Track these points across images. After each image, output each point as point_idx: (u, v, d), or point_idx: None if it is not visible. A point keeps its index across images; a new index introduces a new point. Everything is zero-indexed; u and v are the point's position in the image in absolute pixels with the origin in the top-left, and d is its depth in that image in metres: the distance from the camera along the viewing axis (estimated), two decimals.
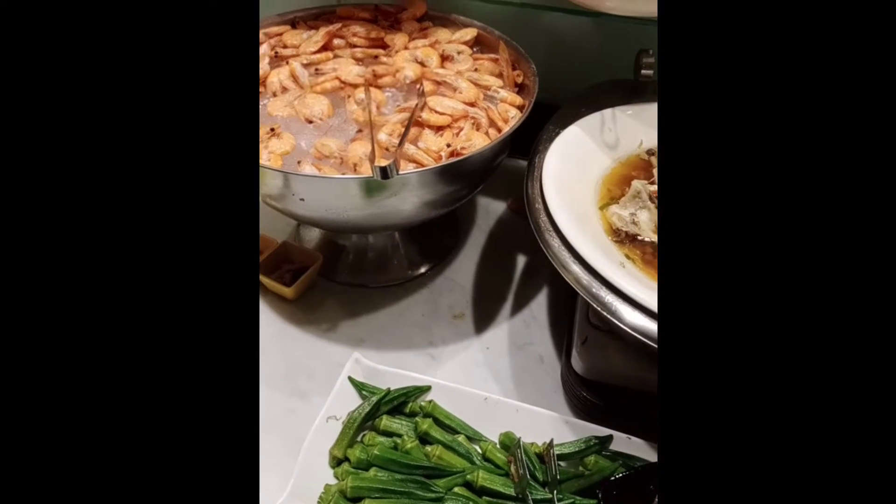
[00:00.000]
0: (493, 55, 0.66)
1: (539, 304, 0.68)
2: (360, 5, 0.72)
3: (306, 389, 0.59)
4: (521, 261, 0.73)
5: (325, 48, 0.67)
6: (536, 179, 0.54)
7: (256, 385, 0.31)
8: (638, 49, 0.66)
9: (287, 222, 0.77)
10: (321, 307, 0.67)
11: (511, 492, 0.48)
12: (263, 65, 0.65)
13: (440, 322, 0.66)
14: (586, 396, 0.54)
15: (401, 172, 0.49)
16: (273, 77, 0.63)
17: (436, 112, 0.59)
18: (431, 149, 0.56)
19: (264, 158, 0.54)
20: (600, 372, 0.53)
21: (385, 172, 0.47)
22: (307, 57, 0.66)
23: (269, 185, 0.54)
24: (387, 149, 0.56)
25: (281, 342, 0.64)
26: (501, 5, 0.71)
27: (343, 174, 0.54)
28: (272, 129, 0.56)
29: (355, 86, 0.62)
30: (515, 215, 0.78)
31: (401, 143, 0.52)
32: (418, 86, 0.60)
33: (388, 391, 0.54)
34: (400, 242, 0.72)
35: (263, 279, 0.66)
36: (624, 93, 0.66)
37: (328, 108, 0.60)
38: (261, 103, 0.62)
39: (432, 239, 0.74)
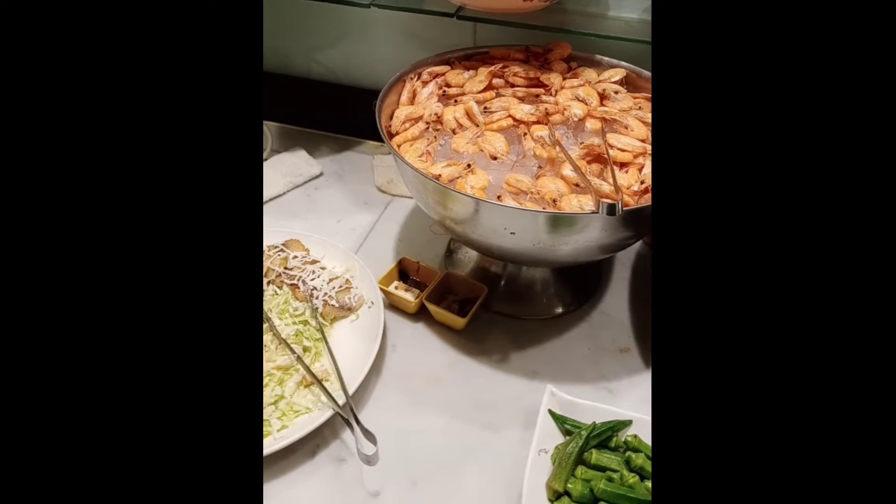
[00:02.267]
0: (646, 94, 0.69)
1: None
2: (511, 46, 0.75)
3: (495, 422, 0.60)
4: None
5: (487, 87, 0.69)
6: None
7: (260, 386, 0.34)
8: None
9: (435, 253, 0.79)
10: (488, 338, 0.68)
11: None
12: (432, 103, 0.68)
13: (608, 356, 0.67)
14: None
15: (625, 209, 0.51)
16: (448, 115, 0.65)
17: (617, 149, 0.61)
18: (623, 185, 0.57)
19: (469, 192, 0.56)
20: None
21: (612, 209, 0.48)
22: (473, 96, 0.68)
23: (475, 217, 0.56)
24: (576, 185, 0.58)
25: (458, 373, 0.65)
26: (642, 44, 0.74)
27: (543, 209, 0.55)
28: (469, 166, 0.58)
29: (527, 123, 0.64)
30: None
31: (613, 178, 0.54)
32: (604, 126, 0.62)
33: (595, 425, 0.55)
34: (551, 275, 0.73)
35: (433, 308, 0.68)
36: None
37: (505, 144, 0.62)
38: (441, 140, 0.64)
39: (581, 274, 0.75)
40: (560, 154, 0.60)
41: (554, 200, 0.56)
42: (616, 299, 0.73)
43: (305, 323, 0.67)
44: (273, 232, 0.77)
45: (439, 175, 0.57)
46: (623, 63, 0.72)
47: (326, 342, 0.64)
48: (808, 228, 0.28)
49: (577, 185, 0.58)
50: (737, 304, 0.29)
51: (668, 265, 0.31)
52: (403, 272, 0.74)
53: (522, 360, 0.66)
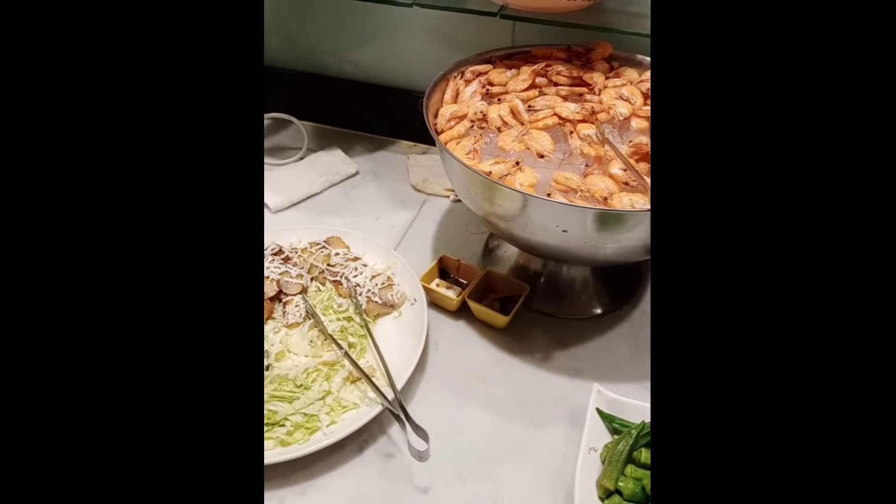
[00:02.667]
0: None
1: None
2: (553, 46, 0.75)
3: (540, 419, 0.60)
4: None
5: (531, 86, 0.69)
6: None
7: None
8: None
9: (473, 251, 0.79)
10: (529, 336, 0.68)
11: None
12: (475, 101, 0.68)
13: (649, 356, 0.66)
14: None
15: None
16: (493, 113, 0.65)
17: None
18: None
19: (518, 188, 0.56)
20: None
21: None
22: (516, 95, 0.68)
23: (525, 214, 0.56)
24: (626, 183, 0.58)
25: (501, 370, 0.65)
26: None
27: (595, 206, 0.55)
28: (517, 163, 0.59)
29: (573, 122, 0.64)
30: None
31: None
32: (647, 123, 0.62)
33: (644, 424, 0.55)
34: (591, 275, 0.73)
35: (475, 306, 0.68)
36: None
37: (551, 143, 0.63)
38: (487, 137, 0.65)
39: (620, 273, 0.75)
40: (609, 152, 0.60)
41: (605, 199, 0.56)
42: None
43: (349, 319, 0.67)
44: (314, 229, 0.78)
45: (489, 172, 0.57)
46: None
47: (372, 338, 0.64)
48: (810, 239, 0.28)
49: (626, 183, 0.58)
50: (736, 316, 0.29)
51: (667, 273, 0.31)
52: (444, 270, 0.74)
53: (565, 358, 0.66)
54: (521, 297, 0.69)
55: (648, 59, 0.73)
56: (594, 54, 0.74)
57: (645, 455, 0.53)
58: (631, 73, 0.72)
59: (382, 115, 1.01)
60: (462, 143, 0.64)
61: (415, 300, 0.69)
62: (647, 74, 0.71)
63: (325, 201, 0.89)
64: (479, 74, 0.72)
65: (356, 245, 0.76)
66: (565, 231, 0.54)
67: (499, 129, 0.65)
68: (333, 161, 0.94)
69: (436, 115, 0.68)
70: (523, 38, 0.83)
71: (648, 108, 0.66)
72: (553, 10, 0.73)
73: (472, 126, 0.65)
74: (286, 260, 0.72)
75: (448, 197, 0.88)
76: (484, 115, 0.65)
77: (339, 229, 0.78)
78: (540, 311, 0.71)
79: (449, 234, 0.83)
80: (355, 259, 0.73)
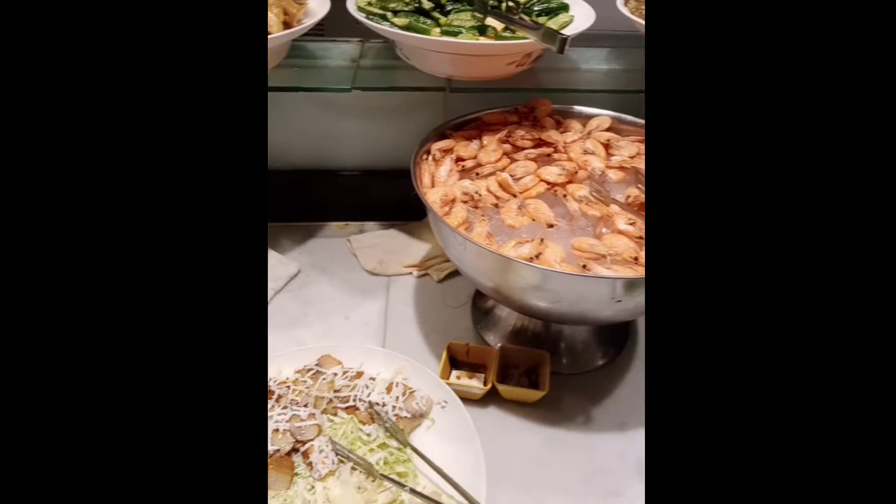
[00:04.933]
0: (639, 137, 0.74)
1: None
2: (503, 110, 0.76)
3: (614, 486, 0.59)
4: None
5: (502, 155, 0.69)
6: None
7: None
8: None
9: (464, 326, 0.75)
10: (562, 401, 0.67)
11: None
12: (456, 181, 0.65)
13: None
14: None
15: None
16: (483, 190, 0.63)
17: None
18: None
19: (558, 268, 0.55)
20: None
21: None
22: (492, 166, 0.67)
23: (570, 292, 0.55)
24: (640, 237, 0.60)
25: (555, 448, 0.62)
26: (611, 93, 0.80)
27: (634, 271, 0.56)
28: (542, 240, 0.57)
29: (561, 185, 0.65)
30: None
31: None
32: (637, 176, 0.65)
33: None
34: (592, 331, 0.74)
35: (506, 389, 0.65)
36: None
37: (549, 210, 0.63)
38: (490, 215, 0.62)
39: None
40: (614, 209, 0.62)
41: (635, 259, 0.57)
42: None
43: (384, 446, 0.59)
44: (293, 353, 0.67)
45: (534, 257, 0.55)
46: (604, 111, 0.77)
47: (427, 460, 0.57)
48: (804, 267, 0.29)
49: (640, 237, 0.60)
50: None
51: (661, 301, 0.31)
52: (453, 358, 0.69)
53: (604, 414, 0.66)
54: (542, 364, 0.67)
55: (586, 109, 0.78)
56: (539, 112, 0.76)
57: None
58: (575, 125, 0.76)
59: (303, 198, 0.92)
60: (472, 227, 0.60)
61: (445, 402, 0.63)
62: (593, 123, 0.75)
63: (280, 312, 0.77)
64: (446, 152, 0.69)
65: (348, 357, 0.67)
66: (620, 301, 0.55)
67: (495, 206, 0.63)
68: (269, 264, 0.82)
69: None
70: (455, 105, 0.83)
71: (614, 157, 0.70)
72: (497, 77, 0.74)
73: (476, 209, 0.62)
74: (279, 399, 0.61)
75: (411, 274, 0.83)
76: (473, 195, 0.63)
77: (321, 345, 0.68)
78: (553, 372, 0.70)
79: (429, 313, 0.78)
80: (359, 375, 0.64)
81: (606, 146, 0.72)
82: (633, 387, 0.70)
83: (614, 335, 0.75)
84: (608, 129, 0.76)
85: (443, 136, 0.72)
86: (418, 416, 0.61)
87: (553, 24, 0.74)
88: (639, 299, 0.56)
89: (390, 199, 0.89)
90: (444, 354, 0.68)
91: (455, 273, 0.82)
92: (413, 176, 0.64)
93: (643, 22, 0.72)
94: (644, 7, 0.77)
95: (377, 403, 0.61)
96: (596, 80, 0.80)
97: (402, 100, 0.88)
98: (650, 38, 0.32)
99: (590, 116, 0.77)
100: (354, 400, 0.62)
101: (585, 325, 0.71)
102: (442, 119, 0.75)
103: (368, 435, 0.59)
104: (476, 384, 0.66)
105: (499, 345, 0.70)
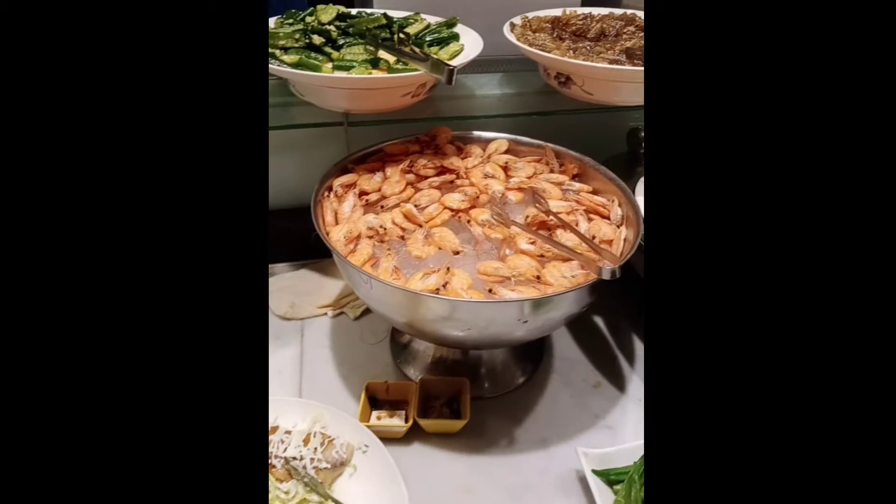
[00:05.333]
0: (536, 156, 0.77)
1: (642, 351, 0.78)
2: (404, 140, 0.75)
3: (544, 499, 0.59)
4: (602, 322, 0.82)
5: (405, 185, 0.68)
6: None
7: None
8: (629, 128, 0.84)
9: (383, 362, 0.73)
10: (485, 426, 0.66)
11: None
12: (360, 216, 0.64)
13: (588, 396, 0.71)
14: None
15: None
16: (388, 223, 0.62)
17: (555, 214, 0.66)
18: (578, 245, 0.63)
19: (465, 297, 0.54)
20: None
21: (614, 273, 0.53)
22: (397, 197, 0.67)
23: (478, 318, 0.54)
24: (541, 255, 0.61)
25: (480, 473, 0.62)
26: (505, 117, 0.83)
27: (538, 289, 0.57)
28: (448, 269, 0.57)
29: (464, 210, 0.66)
30: None
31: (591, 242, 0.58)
32: (533, 195, 0.67)
33: (633, 465, 0.58)
34: (510, 351, 0.75)
35: (429, 423, 0.63)
36: (624, 163, 0.83)
37: (454, 236, 0.63)
38: (397, 248, 0.61)
39: None
40: (515, 230, 0.63)
41: (537, 277, 0.58)
42: (563, 344, 0.79)
43: (305, 502, 0.55)
44: None
45: (438, 289, 0.54)
46: (501, 135, 0.79)
47: None
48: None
49: (541, 255, 0.61)
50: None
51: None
52: (373, 398, 0.67)
53: (526, 433, 0.66)
54: (462, 392, 0.66)
55: (485, 133, 0.79)
56: (440, 140, 0.77)
57: None
58: (476, 150, 0.77)
59: None
60: (378, 263, 0.59)
61: (366, 446, 0.60)
62: (492, 147, 0.77)
63: None
64: (349, 187, 0.68)
65: None
66: (526, 322, 0.55)
67: (402, 237, 0.62)
68: None
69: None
70: (357, 138, 0.82)
71: (513, 179, 0.71)
72: (394, 108, 0.74)
73: (382, 243, 0.61)
74: None
75: (325, 314, 0.80)
76: (385, 235, 0.62)
77: None
78: (474, 397, 0.70)
79: (347, 353, 0.75)
80: (273, 430, 0.61)
81: (505, 168, 0.73)
82: (551, 400, 0.70)
83: (531, 351, 0.76)
84: (506, 152, 0.78)
85: (345, 171, 0.71)
86: (339, 465, 0.59)
87: (445, 53, 0.75)
88: (545, 317, 0.57)
89: (298, 238, 0.86)
90: (363, 396, 0.66)
91: None
92: (314, 215, 0.62)
93: (527, 47, 0.75)
94: (529, 33, 0.80)
95: (294, 458, 0.58)
96: (491, 105, 0.82)
97: (303, 136, 0.86)
98: (650, 38, 0.34)
99: (489, 140, 0.79)
100: (270, 457, 0.58)
101: (500, 347, 0.72)
102: (345, 152, 0.74)
103: (287, 493, 0.56)
104: (397, 422, 0.64)
105: (419, 378, 0.68)
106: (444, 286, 0.55)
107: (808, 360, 0.30)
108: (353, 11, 0.82)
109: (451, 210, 0.66)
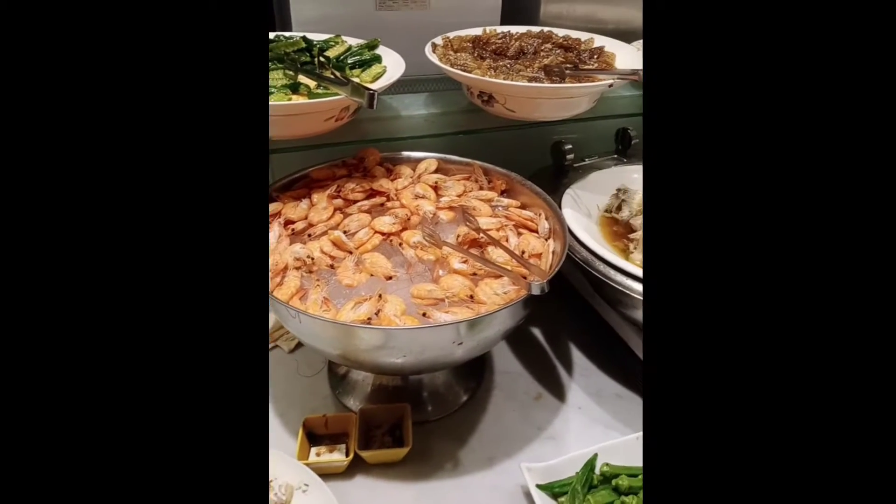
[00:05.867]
0: (465, 174, 0.77)
1: (579, 357, 0.80)
2: (331, 164, 0.74)
3: None
4: (540, 333, 0.83)
5: (334, 211, 0.67)
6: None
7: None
8: (553, 141, 0.86)
9: (321, 395, 0.71)
10: (430, 450, 0.65)
11: None
12: (286, 247, 0.62)
13: (531, 409, 0.72)
14: None
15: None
16: (316, 252, 0.61)
17: (485, 231, 0.66)
18: (509, 261, 0.63)
19: (399, 324, 0.54)
20: None
21: (543, 288, 0.54)
22: (325, 224, 0.65)
23: (413, 343, 0.54)
24: (474, 273, 0.61)
25: (429, 500, 0.61)
26: (432, 137, 0.83)
27: (471, 309, 0.57)
28: (380, 296, 0.56)
29: (395, 233, 0.65)
30: None
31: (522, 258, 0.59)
32: (463, 214, 0.67)
33: (577, 475, 0.59)
34: (451, 371, 0.74)
35: (371, 454, 0.62)
36: (550, 176, 0.86)
37: (387, 261, 0.62)
38: (326, 278, 0.59)
39: None
40: (447, 250, 0.62)
41: (471, 297, 0.58)
42: (504, 359, 0.79)
43: None
44: None
45: (370, 318, 0.53)
46: (430, 154, 0.79)
47: None
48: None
49: (474, 273, 0.61)
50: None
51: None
52: (311, 433, 0.65)
53: (472, 453, 0.66)
54: (404, 419, 0.65)
55: (414, 153, 0.79)
56: (368, 162, 0.76)
57: (594, 502, 0.58)
58: (406, 170, 0.77)
59: None
60: (307, 295, 0.57)
61: (306, 485, 0.58)
62: (422, 167, 0.77)
63: None
64: (273, 216, 0.66)
65: None
66: (461, 343, 0.55)
67: (331, 266, 0.61)
68: None
69: None
70: (281, 165, 0.79)
71: (443, 198, 0.71)
72: (316, 133, 0.72)
73: (310, 274, 0.60)
74: None
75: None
76: (313, 264, 0.60)
77: None
78: (418, 421, 0.69)
79: (284, 388, 0.72)
80: None
81: (436, 188, 0.73)
82: (495, 416, 0.71)
83: (473, 369, 0.76)
84: (436, 171, 0.78)
85: (269, 200, 0.68)
86: None
87: (367, 75, 0.75)
88: (481, 336, 0.57)
89: None
90: (301, 432, 0.63)
91: None
92: None
93: (448, 68, 0.75)
94: (450, 53, 0.81)
95: None
96: (418, 125, 0.82)
97: None
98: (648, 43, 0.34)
99: (418, 160, 0.79)
100: None
101: (440, 370, 0.71)
102: (269, 180, 0.72)
103: None
104: (338, 457, 0.62)
105: (359, 408, 0.67)
106: (376, 314, 0.54)
107: (808, 360, 0.31)
108: (272, 35, 0.80)
109: (382, 234, 0.65)
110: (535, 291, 0.53)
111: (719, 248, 0.33)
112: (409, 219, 0.67)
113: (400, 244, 0.64)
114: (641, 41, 0.97)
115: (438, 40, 0.84)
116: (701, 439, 0.32)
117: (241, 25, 0.32)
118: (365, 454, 0.62)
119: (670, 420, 0.33)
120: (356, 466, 0.63)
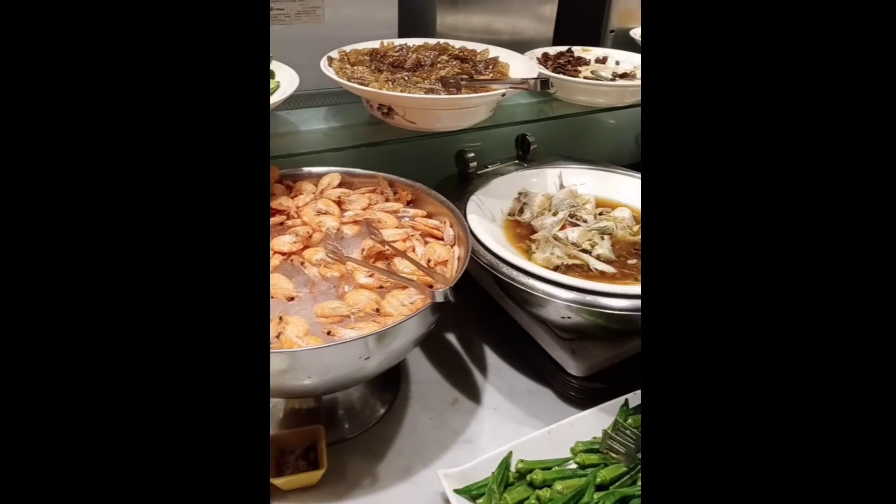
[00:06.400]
0: (370, 187, 0.77)
1: (493, 358, 0.82)
2: None
3: None
4: (454, 338, 0.85)
5: None
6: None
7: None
8: (457, 150, 0.88)
9: None
10: (346, 471, 0.64)
11: (622, 469, 0.62)
12: None
13: (447, 414, 0.73)
14: (585, 386, 0.73)
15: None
16: None
17: (390, 242, 0.67)
18: (416, 271, 0.64)
19: (302, 345, 0.52)
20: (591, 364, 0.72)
21: (446, 295, 0.55)
22: None
23: (318, 364, 0.53)
24: (380, 286, 0.62)
25: None
26: (334, 151, 0.82)
27: (378, 322, 0.57)
28: (280, 318, 0.54)
29: (297, 252, 0.64)
30: None
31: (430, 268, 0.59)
32: (367, 227, 0.67)
33: (494, 475, 0.61)
34: (365, 385, 0.74)
35: (284, 481, 0.60)
36: (455, 184, 0.87)
37: (289, 281, 0.61)
38: None
39: None
40: (350, 266, 0.62)
41: (377, 310, 0.58)
42: (419, 368, 0.80)
43: None
44: None
45: (274, 338, 0.52)
46: (333, 168, 0.78)
47: None
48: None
49: (380, 287, 0.61)
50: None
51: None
52: None
53: (389, 467, 0.66)
54: (319, 441, 0.64)
55: (316, 169, 0.78)
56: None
57: (510, 499, 0.59)
58: (309, 186, 0.76)
59: None
60: None
61: None
62: (325, 181, 0.76)
63: None
64: None
65: None
66: (368, 358, 0.55)
67: None
68: None
69: None
70: None
71: (347, 213, 0.71)
72: None
73: None
74: None
75: None
76: None
77: None
78: (335, 441, 0.68)
79: None
80: None
81: (339, 203, 0.73)
82: (411, 427, 0.71)
83: (388, 381, 0.76)
84: (340, 185, 0.77)
85: None
86: None
87: None
88: (390, 348, 0.57)
89: None
90: None
91: None
92: None
93: (345, 81, 0.75)
94: (347, 67, 0.81)
95: None
96: (318, 140, 0.81)
97: None
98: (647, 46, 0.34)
99: (321, 175, 0.78)
100: None
101: (353, 386, 0.70)
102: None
103: None
104: None
105: (270, 434, 0.65)
106: (277, 337, 0.53)
107: (808, 361, 0.31)
108: None
109: (283, 254, 0.63)
110: (440, 299, 0.54)
111: (719, 248, 0.32)
112: (310, 236, 0.66)
113: (302, 263, 0.63)
114: (534, 51, 1.02)
115: (335, 54, 0.83)
116: (701, 439, 0.32)
117: (241, 25, 0.33)
118: (278, 481, 0.60)
119: (670, 419, 0.33)
120: (273, 495, 0.61)
